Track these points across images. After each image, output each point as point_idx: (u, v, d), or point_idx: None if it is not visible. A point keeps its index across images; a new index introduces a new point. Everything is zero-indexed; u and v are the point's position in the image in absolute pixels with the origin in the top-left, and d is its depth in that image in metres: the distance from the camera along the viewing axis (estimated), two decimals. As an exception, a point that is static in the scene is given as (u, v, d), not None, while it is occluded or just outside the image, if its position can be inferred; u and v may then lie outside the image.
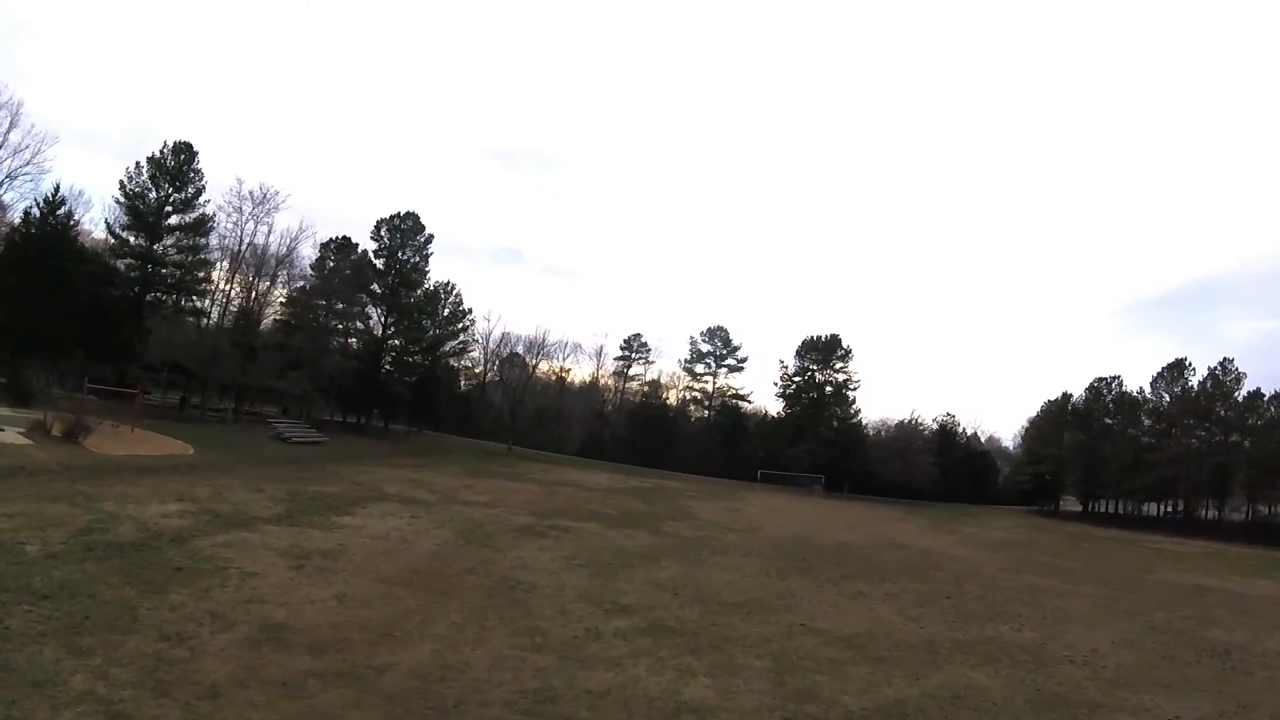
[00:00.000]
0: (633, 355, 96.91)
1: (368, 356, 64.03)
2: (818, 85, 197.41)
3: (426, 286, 69.89)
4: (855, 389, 78.93)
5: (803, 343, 76.62)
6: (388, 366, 67.73)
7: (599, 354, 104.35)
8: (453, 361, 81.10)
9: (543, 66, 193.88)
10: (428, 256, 66.83)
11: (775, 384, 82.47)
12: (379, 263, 64.92)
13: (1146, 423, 69.30)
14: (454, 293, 77.39)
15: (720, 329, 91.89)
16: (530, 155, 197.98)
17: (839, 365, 75.42)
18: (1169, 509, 70.61)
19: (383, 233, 64.81)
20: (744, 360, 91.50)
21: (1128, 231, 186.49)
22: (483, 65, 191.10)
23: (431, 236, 66.46)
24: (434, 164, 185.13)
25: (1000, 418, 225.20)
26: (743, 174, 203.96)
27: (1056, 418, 73.72)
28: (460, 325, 78.26)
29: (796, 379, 76.73)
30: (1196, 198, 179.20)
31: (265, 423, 51.68)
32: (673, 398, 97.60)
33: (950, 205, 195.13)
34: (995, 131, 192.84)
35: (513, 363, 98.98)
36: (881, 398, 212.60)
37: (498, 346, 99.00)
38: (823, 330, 79.41)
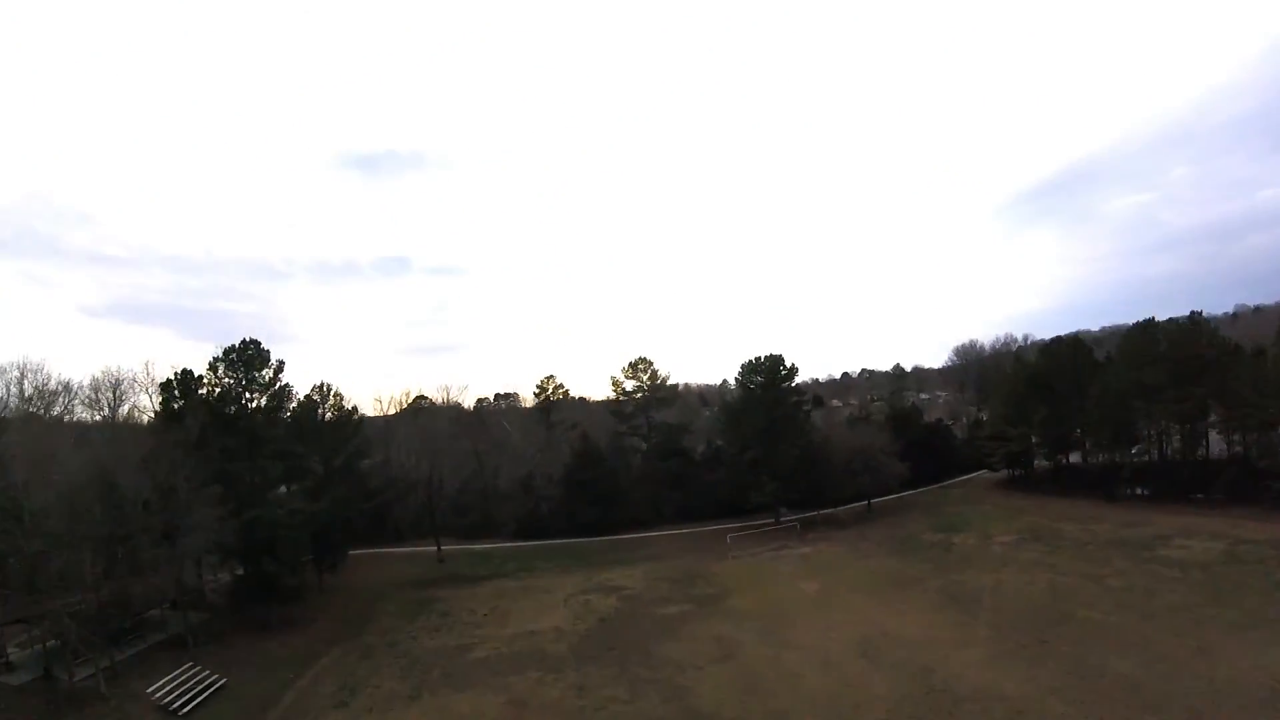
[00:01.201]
0: (551, 396, 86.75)
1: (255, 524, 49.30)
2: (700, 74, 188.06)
3: (293, 405, 56.65)
4: (807, 410, 71.63)
5: (744, 367, 68.72)
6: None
7: (510, 397, 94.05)
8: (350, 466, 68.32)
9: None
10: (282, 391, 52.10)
11: (720, 416, 74.67)
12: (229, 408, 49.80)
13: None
14: (331, 391, 64.83)
15: (644, 361, 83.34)
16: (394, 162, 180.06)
17: (787, 385, 68.01)
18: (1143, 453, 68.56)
19: (220, 373, 49.43)
20: (675, 390, 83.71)
21: (998, 128, 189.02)
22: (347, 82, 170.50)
23: (281, 364, 50.81)
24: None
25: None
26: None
27: (1023, 389, 69.50)
28: (350, 431, 65.66)
29: (740, 408, 69.00)
30: (1057, 87, 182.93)
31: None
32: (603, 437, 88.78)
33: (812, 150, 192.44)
34: (862, 49, 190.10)
35: (419, 411, 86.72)
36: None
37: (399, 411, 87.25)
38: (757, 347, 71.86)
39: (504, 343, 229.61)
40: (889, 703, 29.13)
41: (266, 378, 49.31)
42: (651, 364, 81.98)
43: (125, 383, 57.18)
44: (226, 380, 48.58)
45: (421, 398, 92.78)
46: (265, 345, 50.15)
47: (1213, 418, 62.21)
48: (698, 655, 36.28)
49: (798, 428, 68.15)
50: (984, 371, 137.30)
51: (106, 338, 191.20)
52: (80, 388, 58.19)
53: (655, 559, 61.44)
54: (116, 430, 54.14)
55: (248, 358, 48.71)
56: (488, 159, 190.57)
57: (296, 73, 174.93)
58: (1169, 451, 67.11)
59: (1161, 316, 67.28)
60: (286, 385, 51.39)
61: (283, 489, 53.07)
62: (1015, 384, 73.16)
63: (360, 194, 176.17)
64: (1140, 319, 66.78)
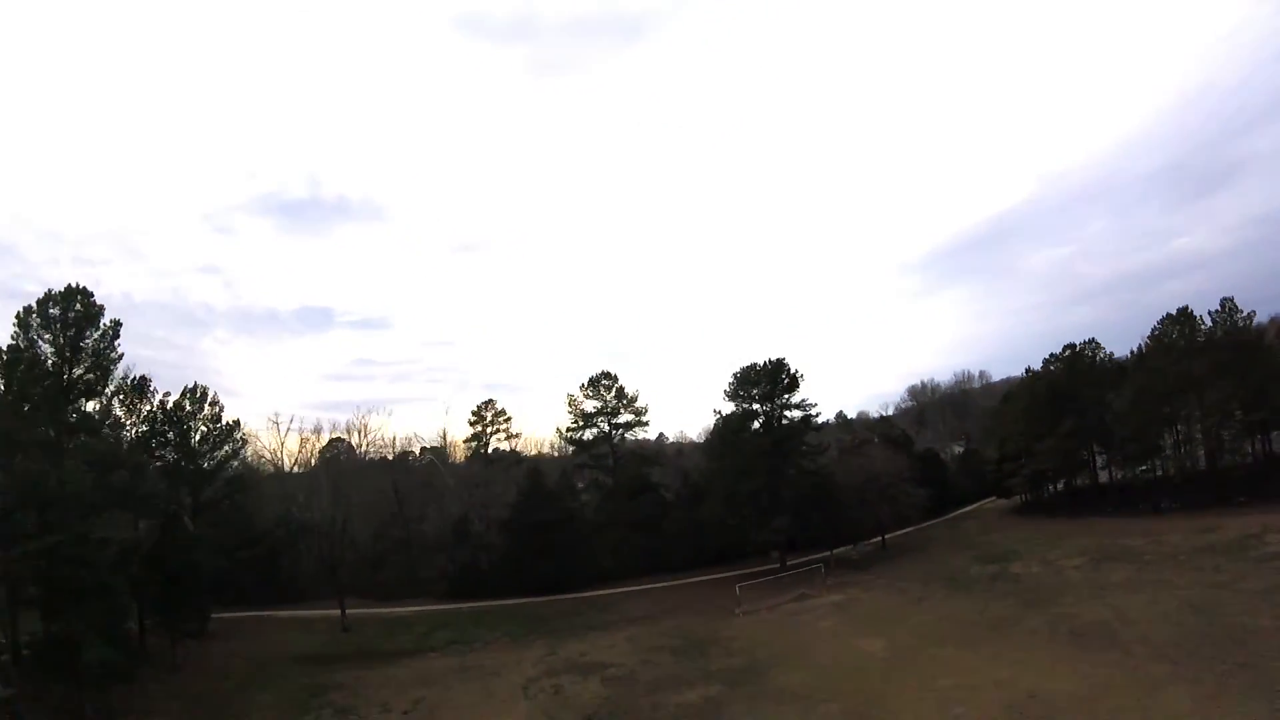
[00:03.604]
0: (488, 428, 71.96)
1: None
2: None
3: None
4: (818, 427, 61.16)
5: (736, 376, 57.40)
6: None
7: (443, 438, 78.19)
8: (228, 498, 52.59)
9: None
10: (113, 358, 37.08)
11: (707, 439, 62.62)
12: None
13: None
14: (208, 399, 49.07)
15: (608, 376, 69.92)
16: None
17: (788, 398, 57.17)
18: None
19: (34, 330, 34.17)
20: (644, 412, 70.71)
21: (915, 187, 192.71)
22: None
23: (117, 328, 36.27)
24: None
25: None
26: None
27: (1041, 404, 61.18)
28: (228, 447, 50.33)
29: (737, 428, 57.12)
30: (969, 147, 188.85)
31: None
32: (556, 470, 74.68)
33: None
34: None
35: (336, 452, 70.00)
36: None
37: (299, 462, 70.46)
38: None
39: (432, 400, 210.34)
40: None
41: (93, 344, 33.99)
42: (616, 379, 68.63)
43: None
44: (40, 342, 32.97)
45: (337, 439, 76.09)
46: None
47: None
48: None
49: (807, 448, 56.69)
50: (945, 407, 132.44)
51: None
52: None
53: (638, 622, 47.61)
54: None
55: (73, 316, 33.33)
56: (417, 208, 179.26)
57: (216, 109, 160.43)
58: (1200, 458, 59.85)
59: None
60: (119, 356, 36.12)
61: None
62: (1034, 395, 64.79)
63: (280, 240, 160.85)
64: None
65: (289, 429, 65.96)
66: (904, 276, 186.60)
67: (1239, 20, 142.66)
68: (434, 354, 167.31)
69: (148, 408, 44.82)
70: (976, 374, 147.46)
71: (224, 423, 50.15)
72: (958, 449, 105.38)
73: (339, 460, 66.65)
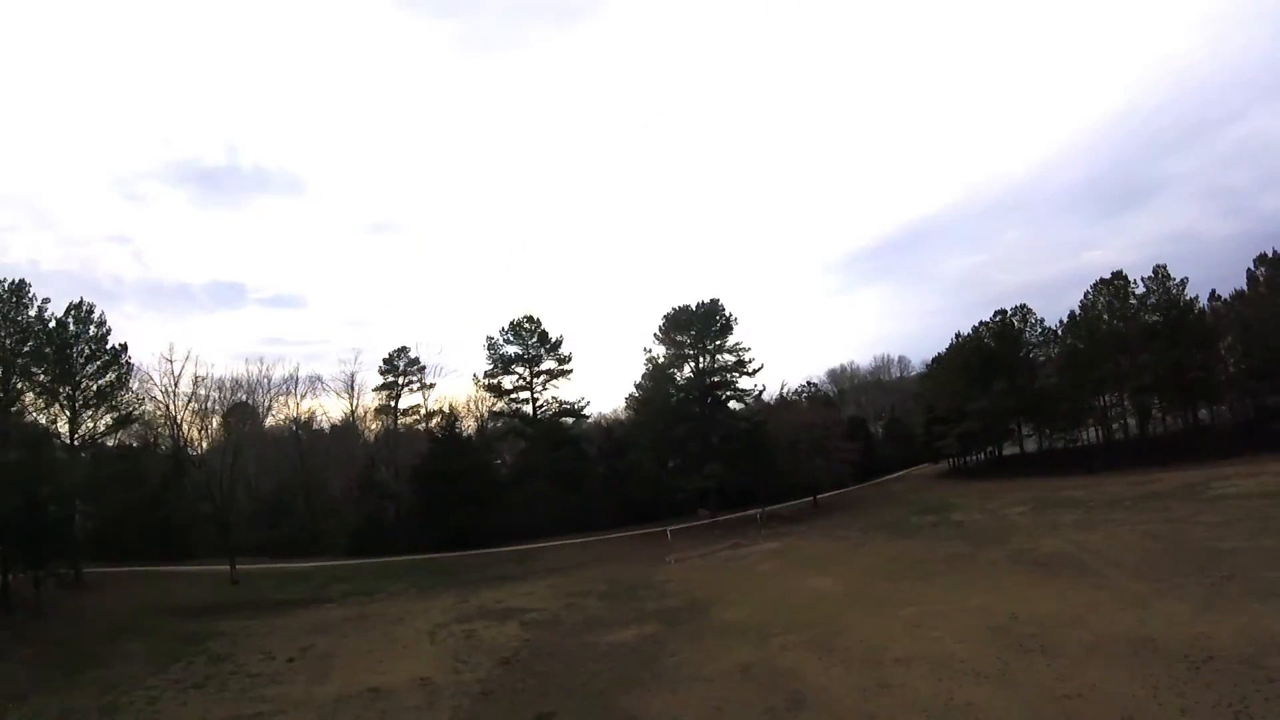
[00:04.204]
0: (400, 380, 64.81)
1: None
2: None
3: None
4: (755, 371, 56.25)
5: (667, 319, 52.77)
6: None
7: (350, 385, 69.58)
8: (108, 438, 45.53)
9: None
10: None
11: (636, 385, 57.62)
12: None
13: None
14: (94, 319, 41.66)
15: (530, 320, 63.63)
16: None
17: (721, 342, 53.11)
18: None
19: None
20: (568, 360, 64.90)
21: (838, 195, 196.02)
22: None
23: None
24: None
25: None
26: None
27: (973, 365, 59.93)
28: (112, 375, 43.08)
29: (671, 369, 52.56)
30: (890, 158, 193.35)
31: None
32: (473, 424, 68.28)
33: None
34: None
35: (240, 417, 60.75)
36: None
37: (195, 403, 60.44)
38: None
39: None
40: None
41: None
42: (540, 323, 62.52)
43: None
44: None
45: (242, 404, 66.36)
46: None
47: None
48: (734, 710, 18.24)
49: (742, 392, 52.85)
50: (866, 388, 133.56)
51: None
52: None
53: (560, 571, 42.80)
54: None
55: None
56: (337, 182, 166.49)
57: (132, 66, 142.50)
58: (1131, 425, 60.29)
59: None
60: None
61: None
62: (966, 356, 63.60)
63: (194, 211, 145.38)
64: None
65: (183, 368, 55.69)
66: (826, 275, 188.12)
67: (1169, 48, 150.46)
68: (348, 333, 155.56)
69: (23, 318, 39.64)
70: (896, 359, 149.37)
71: (111, 346, 43.56)
72: (880, 426, 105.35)
73: (240, 412, 57.86)
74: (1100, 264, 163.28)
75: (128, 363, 45.04)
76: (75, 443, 42.25)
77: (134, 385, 47.13)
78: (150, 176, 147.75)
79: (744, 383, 55.87)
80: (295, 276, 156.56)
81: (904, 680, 18.17)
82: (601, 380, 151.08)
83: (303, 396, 60.71)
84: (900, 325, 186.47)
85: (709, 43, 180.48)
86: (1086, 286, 57.64)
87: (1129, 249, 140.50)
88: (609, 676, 21.99)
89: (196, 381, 52.22)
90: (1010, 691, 16.39)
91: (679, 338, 53.91)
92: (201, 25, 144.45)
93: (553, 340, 62.36)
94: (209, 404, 52.01)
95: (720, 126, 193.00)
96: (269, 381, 57.68)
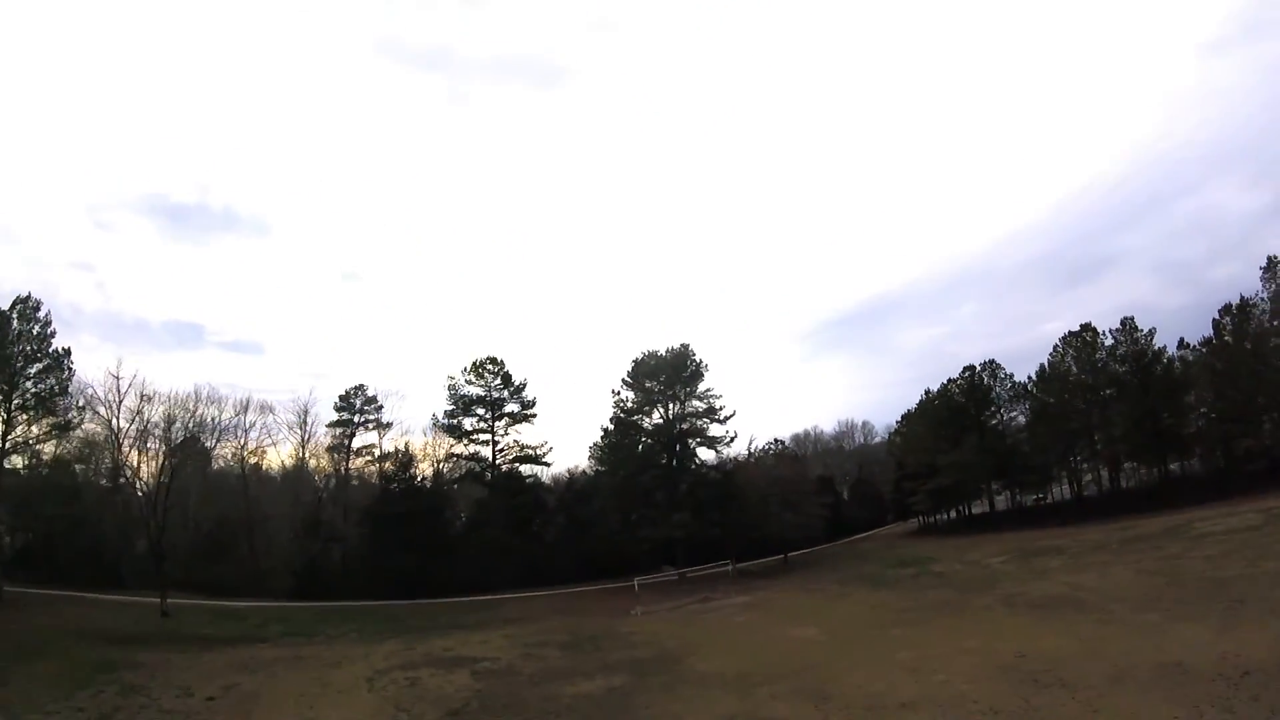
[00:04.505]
0: (356, 417, 61.21)
1: None
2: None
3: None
4: (726, 419, 53.98)
5: (636, 364, 51.09)
6: None
7: (303, 419, 64.81)
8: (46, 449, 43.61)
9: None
10: None
11: (602, 433, 54.97)
12: None
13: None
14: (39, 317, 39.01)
15: (494, 361, 61.02)
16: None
17: (691, 388, 51.47)
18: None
19: None
20: (532, 405, 62.08)
21: (809, 264, 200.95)
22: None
23: None
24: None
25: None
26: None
27: (944, 420, 59.41)
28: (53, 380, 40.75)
29: (639, 415, 50.38)
30: (855, 234, 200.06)
31: None
32: (429, 469, 64.15)
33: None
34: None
35: (191, 451, 55.71)
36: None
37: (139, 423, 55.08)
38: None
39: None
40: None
41: None
42: (503, 365, 59.88)
43: None
44: None
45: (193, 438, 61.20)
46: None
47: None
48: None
49: (712, 442, 50.87)
50: (830, 451, 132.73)
51: None
52: None
53: (517, 622, 39.23)
54: None
55: None
56: (305, 229, 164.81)
57: (115, 97, 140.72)
58: (1104, 479, 59.78)
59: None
60: None
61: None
62: (937, 411, 63.12)
63: (160, 245, 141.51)
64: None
65: (129, 387, 51.10)
66: (793, 343, 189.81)
67: (1132, 128, 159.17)
68: (306, 384, 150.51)
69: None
70: (860, 424, 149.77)
71: (54, 349, 41.30)
72: (846, 487, 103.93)
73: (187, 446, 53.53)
74: (1055, 335, 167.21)
75: (70, 369, 42.40)
76: (6, 445, 39.58)
77: (78, 400, 44.22)
78: (123, 205, 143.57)
79: (715, 430, 54.09)
80: (255, 322, 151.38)
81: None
82: (565, 433, 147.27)
83: (251, 426, 56.47)
84: (862, 395, 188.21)
85: (682, 106, 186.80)
86: (1043, 358, 58.21)
87: (1084, 319, 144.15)
88: (576, 728, 19.11)
89: (143, 399, 48.51)
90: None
91: (648, 384, 52.23)
92: (183, 66, 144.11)
93: (516, 383, 59.97)
94: (153, 427, 48.20)
95: (693, 193, 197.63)
96: (219, 411, 53.80)
